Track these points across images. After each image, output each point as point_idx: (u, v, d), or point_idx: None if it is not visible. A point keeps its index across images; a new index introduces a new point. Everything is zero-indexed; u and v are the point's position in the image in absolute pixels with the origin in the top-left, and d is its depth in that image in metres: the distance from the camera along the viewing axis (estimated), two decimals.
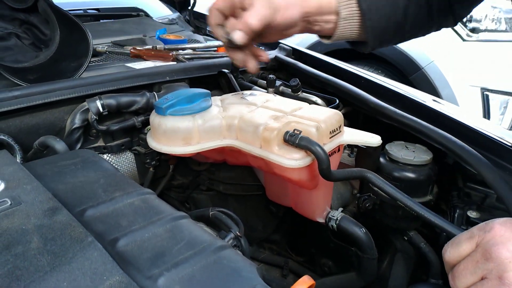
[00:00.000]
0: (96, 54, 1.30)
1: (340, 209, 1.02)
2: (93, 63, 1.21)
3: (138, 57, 1.27)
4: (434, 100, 1.26)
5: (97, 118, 0.99)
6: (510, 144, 0.91)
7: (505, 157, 0.90)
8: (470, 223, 0.90)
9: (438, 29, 0.89)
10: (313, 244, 1.25)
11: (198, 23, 1.95)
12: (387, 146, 0.98)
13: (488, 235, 0.55)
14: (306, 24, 0.82)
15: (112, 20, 1.67)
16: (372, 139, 0.90)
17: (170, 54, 1.26)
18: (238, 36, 0.74)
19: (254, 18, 0.73)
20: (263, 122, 0.89)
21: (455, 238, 0.61)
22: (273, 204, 1.26)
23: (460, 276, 0.56)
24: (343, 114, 1.22)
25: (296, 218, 1.20)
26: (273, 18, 0.76)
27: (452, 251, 0.59)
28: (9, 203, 0.57)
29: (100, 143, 1.08)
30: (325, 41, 0.88)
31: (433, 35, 0.91)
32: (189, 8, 1.91)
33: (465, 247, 0.58)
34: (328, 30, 0.83)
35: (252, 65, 0.83)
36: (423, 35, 0.90)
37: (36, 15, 1.11)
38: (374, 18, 0.80)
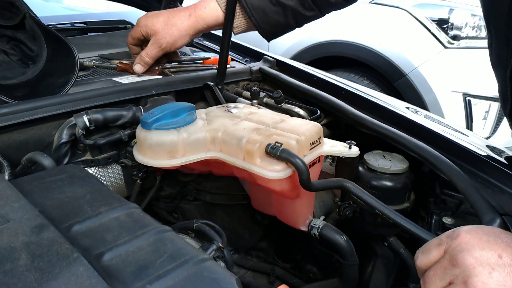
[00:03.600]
0: (83, 68, 1.32)
1: (322, 217, 1.06)
2: (80, 78, 1.23)
3: (125, 71, 1.30)
4: (407, 107, 1.31)
5: (84, 133, 1.01)
6: (481, 154, 0.95)
7: (476, 165, 0.94)
8: (445, 229, 0.94)
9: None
10: (299, 251, 1.28)
11: None
12: (365, 156, 1.02)
13: (454, 242, 0.59)
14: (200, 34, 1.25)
15: (100, 33, 1.69)
16: (350, 150, 0.94)
17: (156, 68, 1.29)
18: (138, 68, 1.23)
19: (147, 57, 1.20)
20: (246, 135, 0.92)
21: (425, 245, 0.65)
22: (258, 213, 1.29)
23: (430, 281, 0.60)
24: (325, 123, 1.27)
25: (282, 226, 1.23)
26: (164, 52, 1.20)
27: (423, 258, 0.63)
28: None
29: (88, 156, 1.10)
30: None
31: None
32: None
33: (434, 253, 0.61)
34: None
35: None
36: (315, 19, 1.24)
37: (23, 32, 1.13)
38: (259, 21, 1.16)
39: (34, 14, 1.05)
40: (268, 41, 1.24)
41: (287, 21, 1.18)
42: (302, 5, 1.16)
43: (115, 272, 0.56)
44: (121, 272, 0.56)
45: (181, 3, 1.92)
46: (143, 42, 1.24)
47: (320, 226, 1.01)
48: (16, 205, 0.63)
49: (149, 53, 1.18)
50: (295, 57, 3.25)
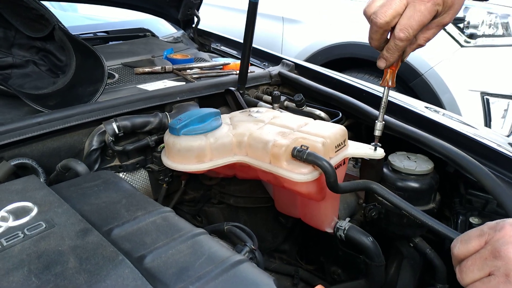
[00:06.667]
0: (109, 76, 1.35)
1: (347, 219, 1.06)
2: (107, 86, 1.27)
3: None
4: (426, 107, 1.31)
5: (113, 139, 1.04)
6: (506, 153, 0.95)
7: (502, 164, 0.94)
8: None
9: None
10: (322, 252, 1.29)
11: (202, 40, 2.02)
12: (389, 157, 1.02)
13: (498, 234, 0.58)
14: None
15: (121, 41, 1.73)
16: (375, 152, 0.95)
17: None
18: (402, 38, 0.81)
19: (414, 23, 0.80)
20: (271, 139, 0.94)
21: (465, 234, 0.63)
22: (282, 216, 1.30)
23: (467, 271, 0.59)
24: (346, 126, 1.27)
25: (305, 228, 1.24)
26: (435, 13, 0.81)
27: (461, 247, 0.62)
28: (44, 226, 0.62)
29: (116, 162, 1.13)
30: None
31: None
32: (193, 26, 1.97)
33: (474, 243, 0.61)
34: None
35: None
36: None
37: (52, 42, 1.17)
38: None
39: (63, 25, 1.08)
40: None
41: None
42: None
43: (158, 274, 0.58)
44: (163, 274, 0.58)
45: (198, 10, 1.95)
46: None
47: (346, 228, 1.02)
48: (60, 211, 0.66)
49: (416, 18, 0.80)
50: (308, 60, 3.26)
